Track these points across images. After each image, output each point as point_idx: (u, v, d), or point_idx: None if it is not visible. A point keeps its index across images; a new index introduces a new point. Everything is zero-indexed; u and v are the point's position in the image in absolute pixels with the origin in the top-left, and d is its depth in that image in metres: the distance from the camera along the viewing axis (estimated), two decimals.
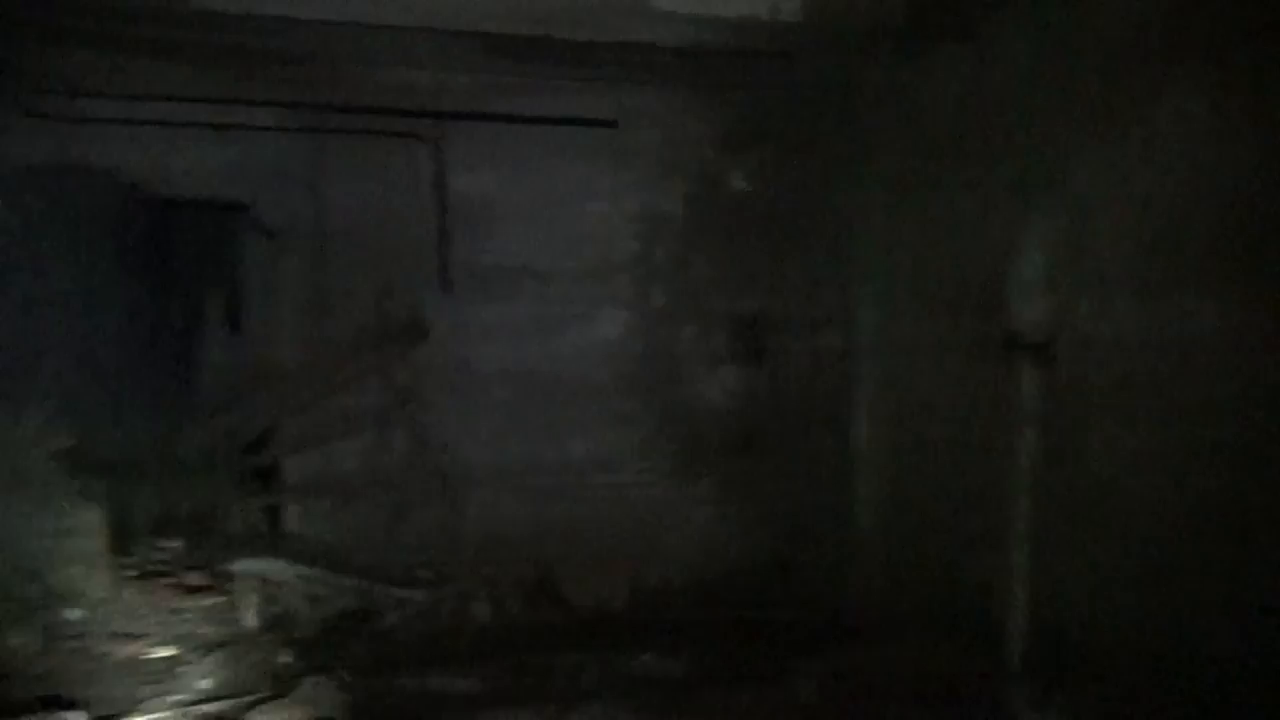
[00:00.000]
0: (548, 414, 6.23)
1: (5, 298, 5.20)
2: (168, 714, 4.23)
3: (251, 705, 4.21)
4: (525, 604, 5.72)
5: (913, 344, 4.68)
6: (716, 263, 6.46)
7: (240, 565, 4.96)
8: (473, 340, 6.11)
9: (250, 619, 5.08)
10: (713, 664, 4.84)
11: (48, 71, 5.52)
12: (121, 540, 6.24)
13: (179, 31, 5.24)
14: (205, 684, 4.59)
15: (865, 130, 5.00)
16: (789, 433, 6.27)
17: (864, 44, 4.66)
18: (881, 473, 4.94)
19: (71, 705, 4.15)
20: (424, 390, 5.84)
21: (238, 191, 5.85)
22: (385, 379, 5.90)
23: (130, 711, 4.21)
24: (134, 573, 6.35)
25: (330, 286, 5.91)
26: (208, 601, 5.96)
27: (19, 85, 5.16)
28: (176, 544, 7.39)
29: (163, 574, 6.48)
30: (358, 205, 5.93)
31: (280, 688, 4.41)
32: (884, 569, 5.00)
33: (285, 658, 4.84)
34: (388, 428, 5.92)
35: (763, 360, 6.47)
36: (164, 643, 5.14)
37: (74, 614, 5.44)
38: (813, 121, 5.70)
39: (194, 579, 6.40)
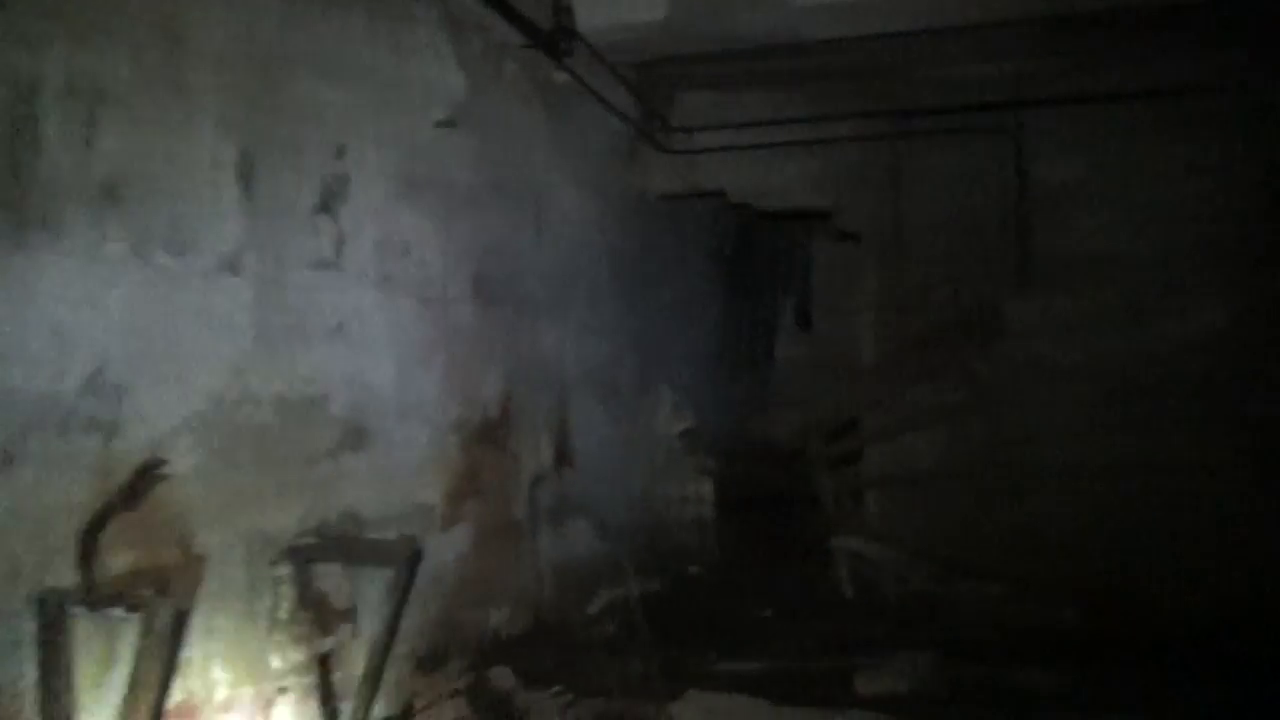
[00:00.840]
0: (1135, 412, 5.79)
1: (644, 308, 6.32)
2: (777, 665, 4.75)
3: (854, 669, 4.56)
4: (1108, 611, 5.38)
5: None
6: None
7: (836, 541, 5.45)
8: (1052, 334, 5.93)
9: (845, 589, 5.53)
10: None
11: (676, 114, 6.61)
12: (724, 510, 7.22)
13: (778, 63, 5.92)
14: (808, 643, 5.10)
15: None
16: None
17: None
18: None
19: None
20: (1001, 385, 5.81)
21: (823, 200, 6.40)
22: (962, 374, 6.00)
23: (745, 658, 4.81)
24: (733, 539, 7.32)
25: (906, 283, 6.18)
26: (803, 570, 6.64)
27: (656, 129, 6.25)
28: (765, 517, 8.39)
29: (761, 543, 7.36)
30: (934, 203, 6.12)
31: (875, 657, 4.74)
32: None
33: (875, 628, 5.20)
34: (964, 422, 6.00)
35: None
36: (765, 603, 5.83)
37: (693, 569, 6.45)
38: None
39: (786, 548, 7.20)
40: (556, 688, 3.85)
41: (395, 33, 3.58)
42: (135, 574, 2.41)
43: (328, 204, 3.19)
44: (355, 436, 3.34)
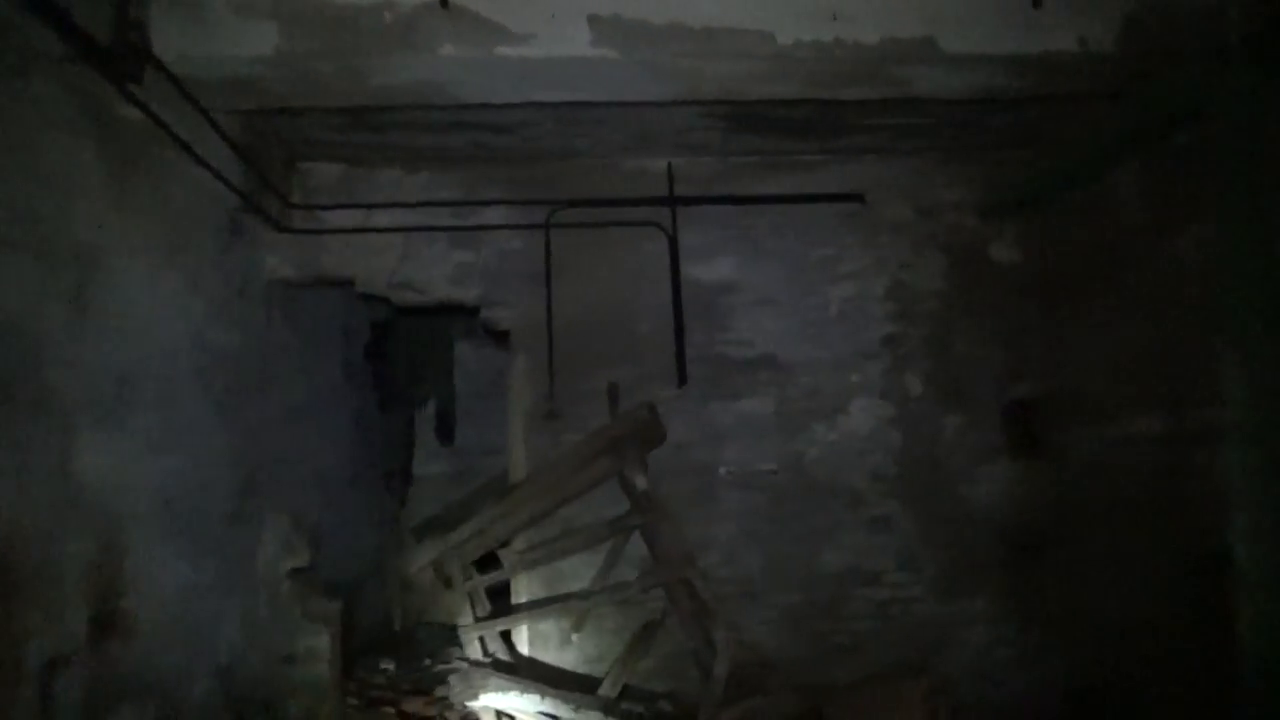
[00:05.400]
0: (797, 520, 5.57)
1: (247, 419, 5.07)
2: None
3: None
4: None
5: None
6: (983, 344, 5.73)
7: (483, 699, 4.42)
8: (713, 440, 5.59)
9: None
10: None
11: (299, 188, 5.55)
12: (346, 664, 5.94)
13: (422, 137, 5.15)
14: None
15: (1187, 175, 4.24)
16: (1074, 532, 5.35)
17: (1193, 70, 3.94)
18: (1252, 582, 3.94)
19: None
20: (662, 497, 5.29)
21: (467, 293, 5.63)
22: (621, 486, 5.41)
23: None
24: (355, 701, 6.03)
25: (560, 388, 5.53)
26: None
27: (271, 203, 5.14)
28: (393, 667, 7.13)
29: (385, 700, 6.14)
30: (590, 300, 5.60)
31: None
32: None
33: None
34: (624, 539, 5.39)
35: (1043, 452, 5.63)
36: None
37: None
38: (1105, 172, 4.97)
39: (416, 705, 6.04)
40: None
41: None
42: None
43: None
44: None
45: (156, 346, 4.04)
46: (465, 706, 4.64)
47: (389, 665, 7.14)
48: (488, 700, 4.45)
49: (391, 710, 5.92)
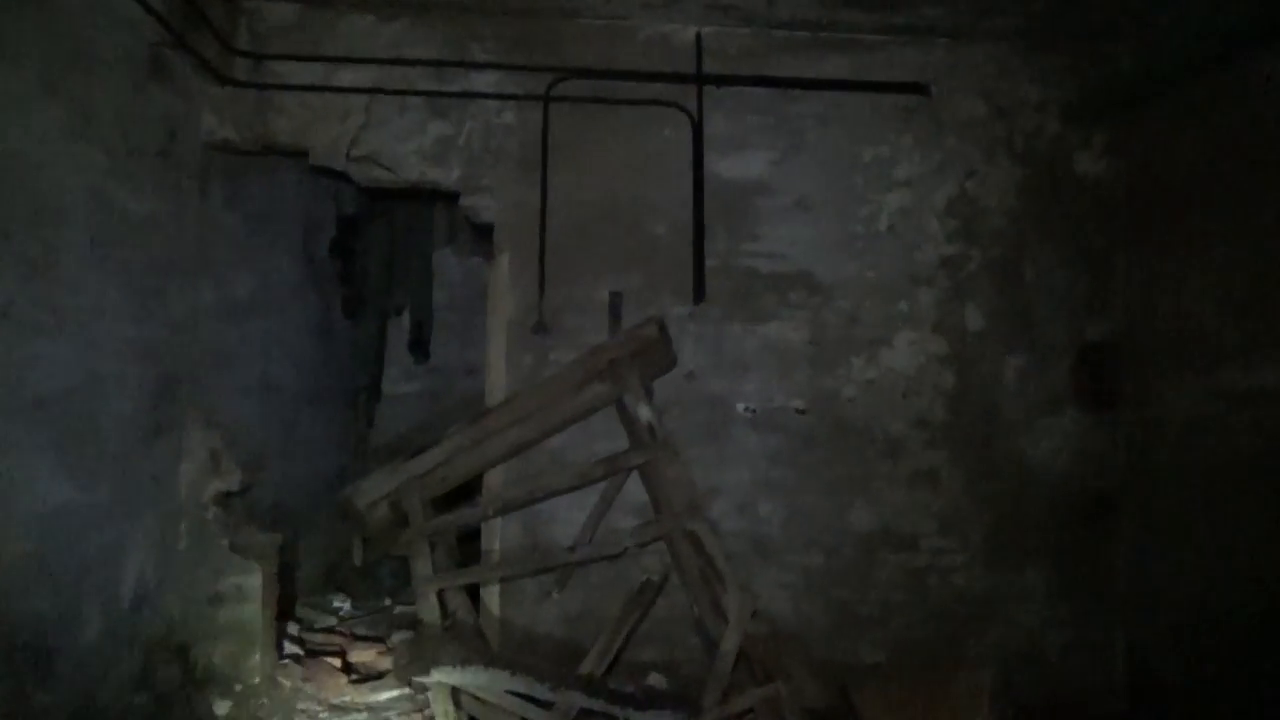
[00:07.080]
0: (825, 469, 4.71)
1: (170, 308, 4.14)
2: None
3: None
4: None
5: None
6: (1057, 273, 4.82)
7: (435, 675, 3.54)
8: (732, 369, 4.69)
9: None
10: None
11: (242, 31, 4.53)
12: (290, 603, 5.12)
13: None
14: None
15: None
16: (1157, 501, 4.51)
17: None
18: None
19: None
20: (668, 433, 4.41)
21: (446, 175, 4.65)
22: (620, 416, 4.53)
23: None
24: (296, 649, 5.20)
25: (551, 295, 4.60)
26: (382, 695, 4.72)
27: (208, 45, 4.14)
28: (348, 606, 6.31)
29: (328, 652, 5.32)
30: (592, 192, 4.64)
31: None
32: None
33: None
34: (621, 480, 4.53)
35: (1118, 403, 4.77)
36: None
37: (223, 707, 4.26)
38: (1229, 64, 4.01)
39: (366, 656, 5.24)
40: None
41: None
42: None
43: None
44: None
45: (27, 198, 3.09)
46: (413, 682, 3.77)
47: (343, 604, 6.32)
48: (441, 676, 3.58)
49: (336, 662, 5.11)
